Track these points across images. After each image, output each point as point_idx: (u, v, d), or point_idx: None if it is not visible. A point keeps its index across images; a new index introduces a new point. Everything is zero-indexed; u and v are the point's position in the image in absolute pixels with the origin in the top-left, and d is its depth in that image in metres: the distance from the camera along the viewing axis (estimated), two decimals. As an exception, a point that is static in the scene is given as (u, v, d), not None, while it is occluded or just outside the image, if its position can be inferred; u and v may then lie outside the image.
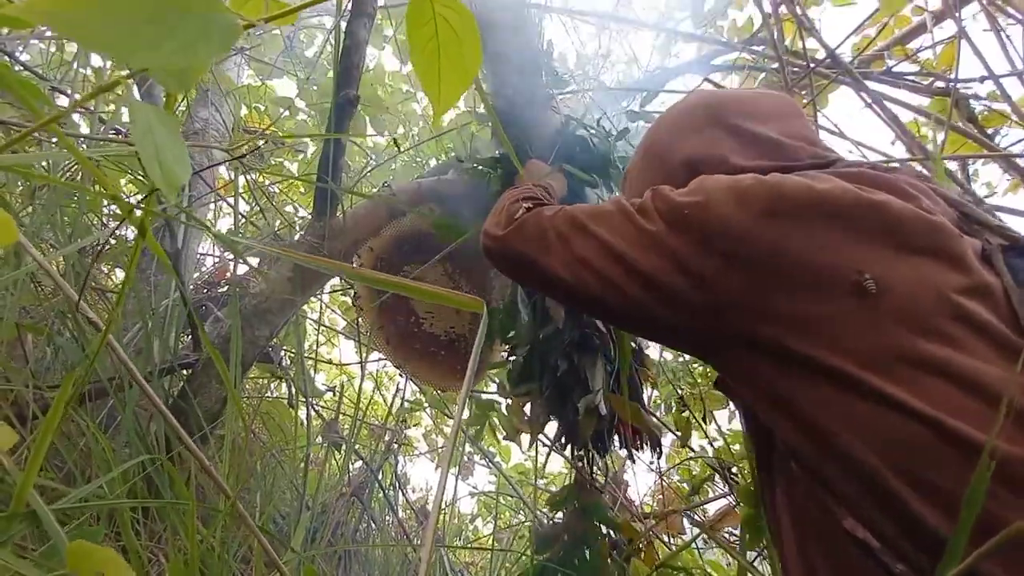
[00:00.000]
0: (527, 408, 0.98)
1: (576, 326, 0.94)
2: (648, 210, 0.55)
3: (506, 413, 1.05)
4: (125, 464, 0.58)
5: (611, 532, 0.93)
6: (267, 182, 1.87)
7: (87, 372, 0.39)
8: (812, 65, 1.12)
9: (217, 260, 1.74)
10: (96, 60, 1.84)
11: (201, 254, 1.72)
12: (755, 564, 1.06)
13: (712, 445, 1.34)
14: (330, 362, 2.14)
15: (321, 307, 2.02)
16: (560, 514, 0.96)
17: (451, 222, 1.01)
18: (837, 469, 0.44)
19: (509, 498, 2.07)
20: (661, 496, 1.79)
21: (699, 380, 1.37)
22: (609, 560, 0.90)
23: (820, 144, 0.62)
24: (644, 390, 1.05)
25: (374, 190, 1.65)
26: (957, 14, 1.18)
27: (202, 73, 0.31)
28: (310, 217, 1.28)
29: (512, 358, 1.01)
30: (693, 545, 1.38)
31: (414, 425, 2.37)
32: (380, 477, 1.74)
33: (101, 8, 0.21)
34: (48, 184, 0.82)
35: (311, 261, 0.37)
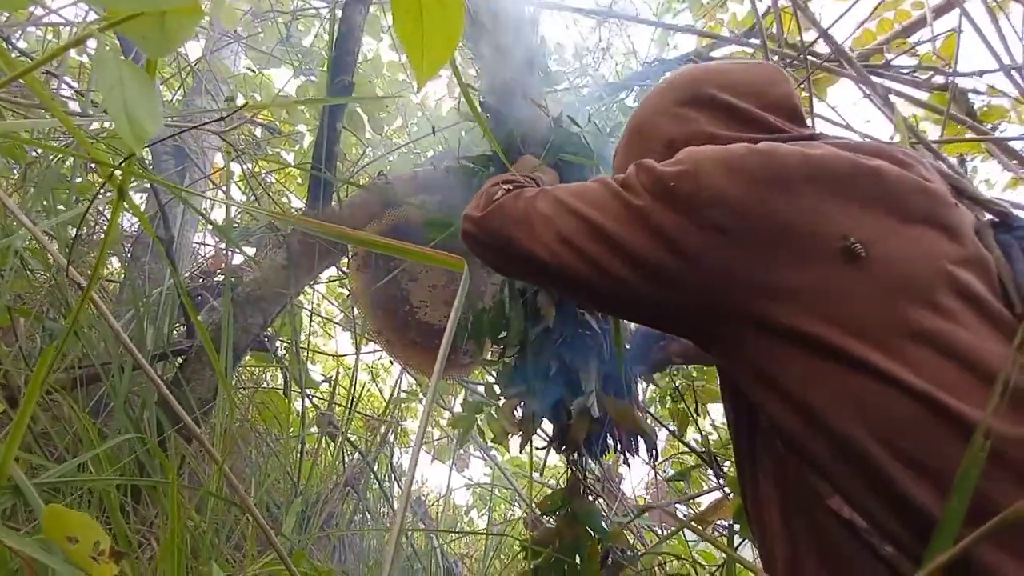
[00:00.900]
0: (519, 410, 0.96)
1: (568, 324, 0.93)
2: (632, 184, 0.53)
3: (495, 415, 1.03)
4: (110, 442, 0.58)
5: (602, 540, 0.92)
6: (263, 172, 1.87)
7: (66, 339, 0.39)
8: (807, 47, 1.11)
9: (213, 251, 1.74)
10: (92, 46, 1.84)
11: (197, 243, 1.72)
12: (745, 553, 1.06)
13: (708, 438, 1.33)
14: (326, 353, 2.14)
15: (315, 298, 2.01)
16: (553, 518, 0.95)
17: (443, 219, 0.99)
18: (825, 448, 0.44)
19: (504, 490, 2.07)
20: (655, 489, 1.79)
21: (694, 373, 1.37)
22: (601, 569, 0.89)
23: (800, 115, 0.61)
24: (638, 387, 1.04)
25: (370, 180, 1.64)
26: (963, 5, 1.18)
27: (186, 36, 0.31)
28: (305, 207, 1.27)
29: (503, 359, 1.00)
30: (685, 537, 1.38)
31: (409, 417, 2.37)
32: (376, 468, 1.74)
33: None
34: (38, 165, 0.81)
35: (311, 225, 0.36)
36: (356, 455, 1.73)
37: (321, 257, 1.09)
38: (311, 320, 1.94)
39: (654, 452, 0.97)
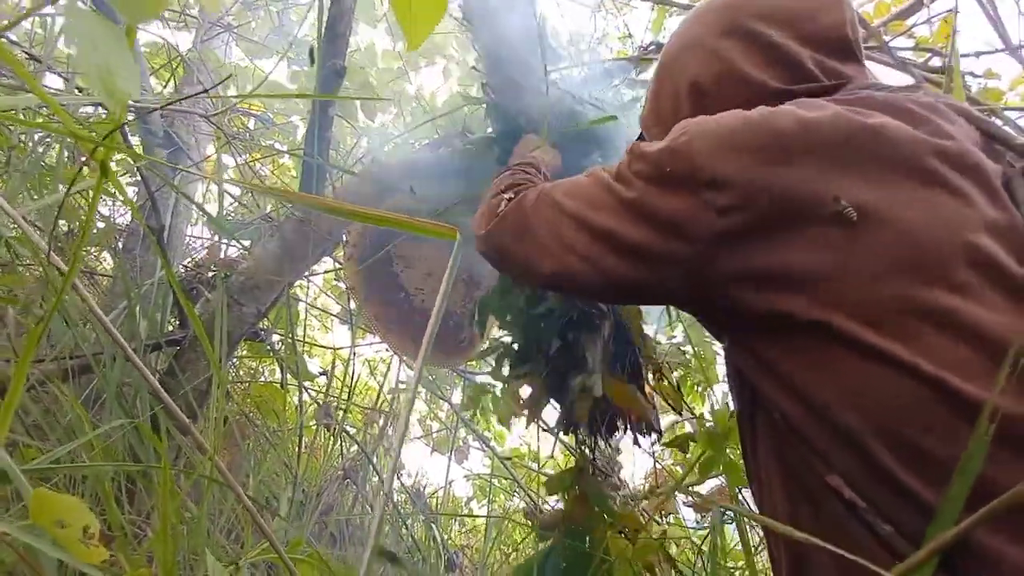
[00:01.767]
0: (524, 391, 0.96)
1: (574, 304, 0.92)
2: (625, 175, 0.52)
3: (500, 396, 1.03)
4: (102, 427, 0.57)
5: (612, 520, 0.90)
6: (257, 164, 1.85)
7: (48, 321, 0.38)
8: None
9: (207, 243, 1.73)
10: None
11: (191, 237, 1.70)
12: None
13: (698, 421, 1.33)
14: (323, 346, 2.13)
15: (311, 291, 2.00)
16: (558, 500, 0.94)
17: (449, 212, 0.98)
18: (825, 434, 0.43)
19: (504, 481, 2.08)
20: (654, 476, 1.80)
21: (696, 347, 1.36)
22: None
23: (848, 47, 0.56)
24: (646, 372, 1.03)
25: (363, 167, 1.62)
26: None
27: (162, 8, 0.29)
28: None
29: (508, 340, 0.99)
30: (687, 522, 1.38)
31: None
32: (375, 460, 1.73)
33: None
34: (21, 150, 0.80)
35: (303, 200, 0.35)
36: (354, 447, 1.72)
37: (315, 245, 1.08)
38: (307, 313, 1.93)
39: (658, 434, 0.96)
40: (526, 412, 0.92)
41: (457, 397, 2.16)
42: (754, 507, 0.56)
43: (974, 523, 0.29)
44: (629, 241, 0.50)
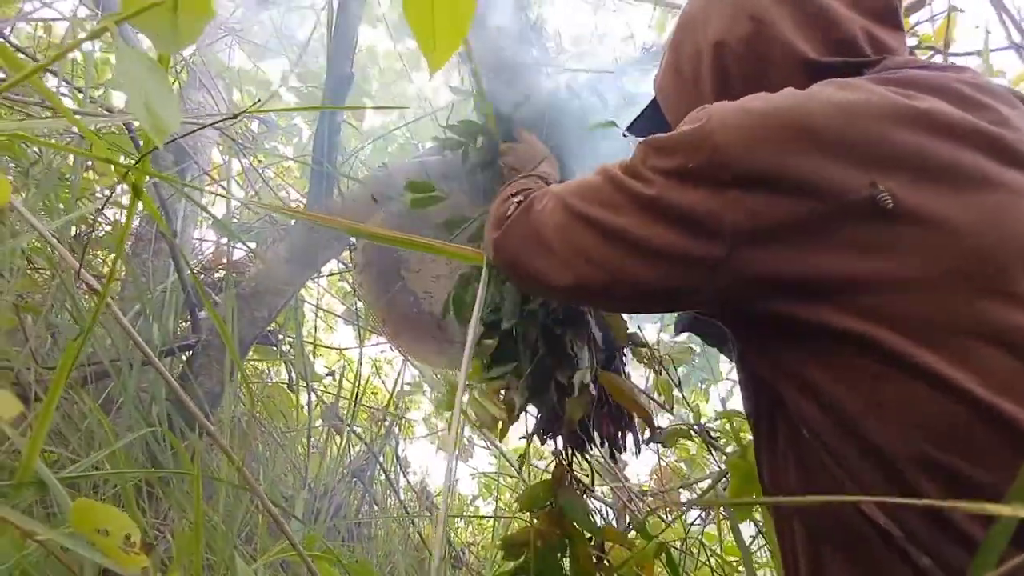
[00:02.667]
0: (504, 394, 0.89)
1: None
2: (639, 171, 0.47)
3: (478, 398, 0.96)
4: (130, 436, 0.59)
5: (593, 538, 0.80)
6: (262, 167, 1.86)
7: (86, 338, 0.39)
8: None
9: (213, 246, 1.74)
10: (86, 44, 1.81)
11: (197, 239, 1.72)
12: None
13: (699, 413, 1.34)
14: (329, 347, 2.15)
15: (317, 291, 2.02)
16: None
17: (426, 190, 0.94)
18: (856, 453, 0.39)
19: (510, 478, 2.09)
20: (659, 475, 1.81)
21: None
22: (597, 573, 0.79)
23: (895, 14, 0.50)
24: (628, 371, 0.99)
25: (368, 172, 1.63)
26: None
27: (197, 33, 0.30)
28: (306, 201, 1.27)
29: (489, 340, 0.92)
30: (690, 521, 1.40)
31: (413, 409, 2.39)
32: (381, 459, 1.75)
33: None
34: (40, 161, 0.81)
35: (319, 221, 0.37)
36: (361, 447, 1.74)
37: (323, 249, 1.09)
38: (316, 314, 1.94)
39: (648, 433, 0.91)
40: (503, 416, 0.86)
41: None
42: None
43: (1021, 562, 0.26)
44: (648, 243, 0.45)
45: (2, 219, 0.65)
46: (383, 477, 1.78)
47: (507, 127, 0.90)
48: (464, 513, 2.26)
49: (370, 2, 1.82)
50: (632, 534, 0.87)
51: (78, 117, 0.45)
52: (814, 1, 0.50)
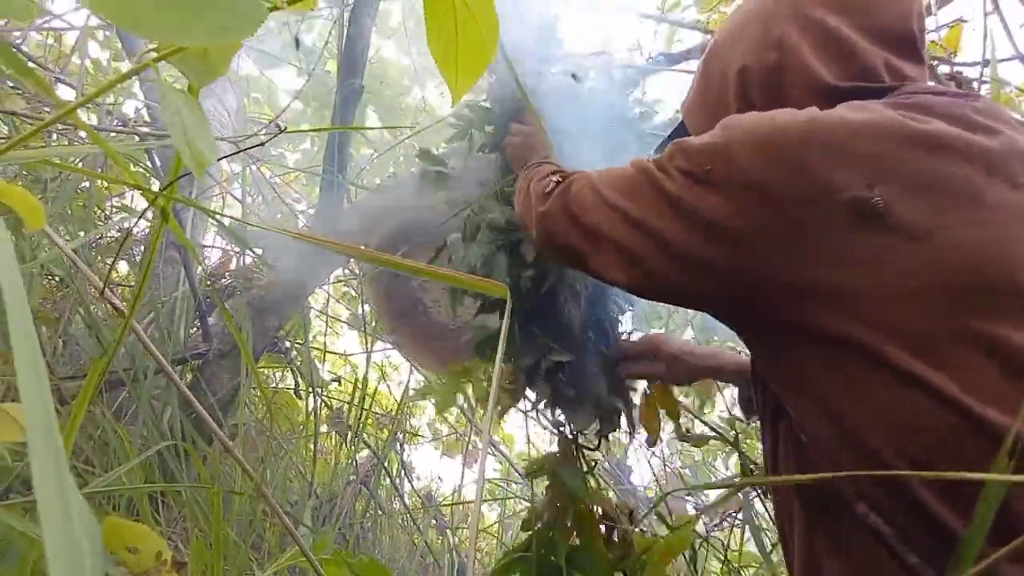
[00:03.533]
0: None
1: (553, 274, 0.81)
2: (667, 168, 0.50)
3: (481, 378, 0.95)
4: (152, 449, 0.60)
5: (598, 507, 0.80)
6: (269, 174, 1.87)
7: (112, 358, 0.40)
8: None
9: (222, 253, 1.75)
10: (94, 51, 1.84)
11: (204, 246, 1.73)
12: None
13: (734, 421, 1.34)
14: (335, 353, 2.15)
15: (322, 297, 2.03)
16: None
17: (436, 158, 0.93)
18: (853, 457, 0.41)
19: (515, 484, 2.09)
20: (664, 479, 1.82)
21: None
22: (608, 546, 0.79)
23: (913, 43, 0.52)
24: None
25: (378, 180, 1.64)
26: None
27: (225, 68, 0.31)
28: (314, 208, 1.28)
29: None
30: (696, 527, 1.39)
31: (418, 414, 2.39)
32: (387, 465, 1.76)
33: (137, -9, 0.21)
34: (59, 178, 0.82)
35: (329, 245, 0.37)
36: (367, 453, 1.74)
37: (334, 258, 1.10)
38: (326, 322, 1.95)
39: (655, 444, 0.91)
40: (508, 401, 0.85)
41: (461, 400, 2.17)
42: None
43: (998, 559, 0.29)
44: (667, 237, 0.48)
45: (23, 234, 0.66)
46: (388, 482, 1.79)
47: (514, 111, 0.89)
48: (468, 519, 2.26)
49: (381, 12, 1.83)
50: (637, 530, 0.87)
51: (105, 139, 0.46)
52: (836, 33, 0.52)
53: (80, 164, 1.03)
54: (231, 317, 0.98)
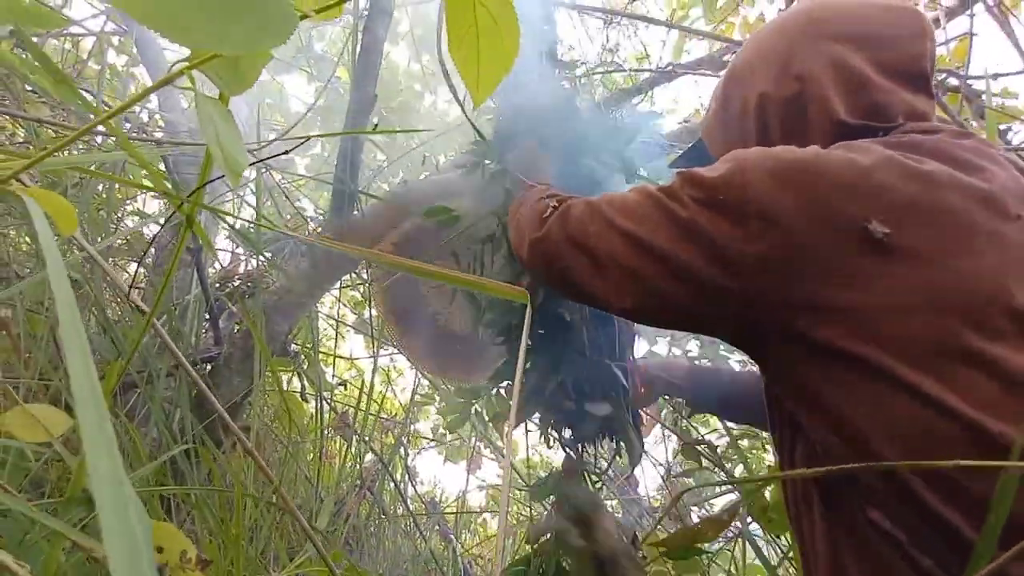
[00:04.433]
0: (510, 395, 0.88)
1: (556, 305, 0.83)
2: (677, 195, 0.51)
3: (494, 401, 0.96)
4: (169, 452, 0.60)
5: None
6: (279, 178, 1.89)
7: (129, 361, 0.41)
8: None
9: (231, 256, 1.77)
10: (111, 57, 1.86)
11: (217, 249, 1.74)
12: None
13: (713, 446, 1.34)
14: (342, 357, 2.16)
15: (328, 301, 2.04)
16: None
17: (443, 208, 0.95)
18: (868, 470, 0.42)
19: (518, 491, 2.09)
20: (668, 492, 1.81)
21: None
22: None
23: (925, 80, 0.55)
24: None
25: (386, 186, 1.66)
26: (970, 12, 1.19)
27: (255, 76, 0.32)
28: (325, 214, 1.29)
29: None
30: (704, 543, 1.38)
31: (423, 419, 2.39)
32: (391, 469, 1.76)
33: None
34: (80, 183, 0.84)
35: (348, 250, 0.38)
36: (371, 456, 1.75)
37: (346, 263, 1.11)
38: (336, 326, 1.97)
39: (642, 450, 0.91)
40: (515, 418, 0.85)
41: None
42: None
43: (1008, 559, 0.31)
44: (677, 260, 0.50)
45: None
46: (392, 486, 1.79)
47: (514, 137, 0.91)
48: (471, 526, 2.25)
49: (396, 17, 1.86)
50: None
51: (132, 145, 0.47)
52: (853, 68, 0.54)
53: (93, 167, 1.05)
54: (249, 314, 0.99)
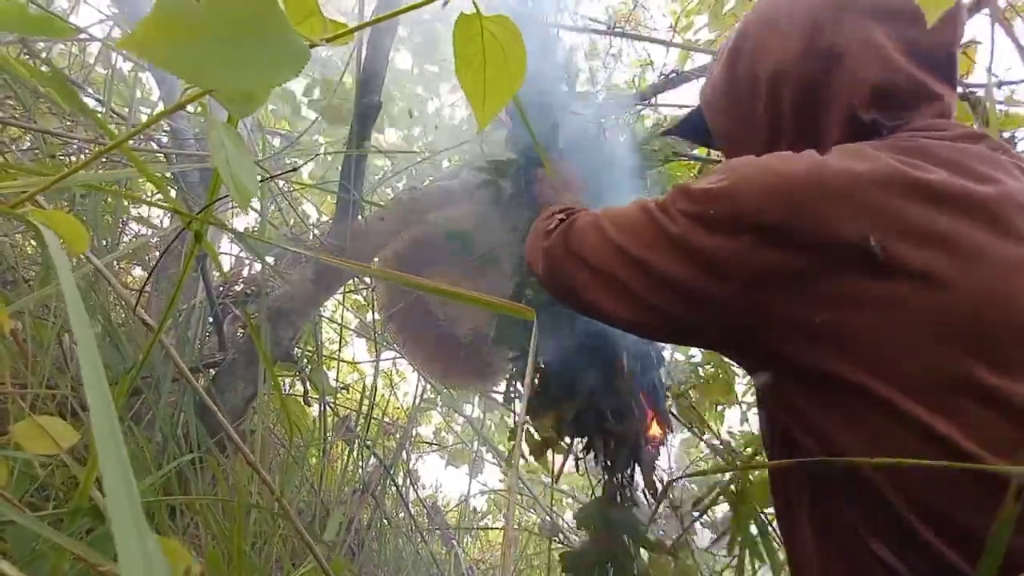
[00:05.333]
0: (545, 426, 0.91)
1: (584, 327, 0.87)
2: (670, 210, 0.50)
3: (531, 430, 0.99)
4: (176, 462, 0.61)
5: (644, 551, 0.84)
6: (283, 184, 1.90)
7: (138, 372, 0.41)
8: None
9: (235, 260, 1.77)
10: (117, 62, 1.87)
11: (220, 253, 1.75)
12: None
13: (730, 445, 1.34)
14: (345, 360, 2.17)
15: (331, 304, 2.04)
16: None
17: (465, 232, 0.98)
18: (864, 499, 0.42)
19: (520, 495, 2.08)
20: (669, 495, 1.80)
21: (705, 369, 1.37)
22: None
23: (952, 67, 0.51)
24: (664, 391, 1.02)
25: (393, 194, 1.66)
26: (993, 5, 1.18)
27: (265, 98, 0.33)
28: (328, 220, 1.29)
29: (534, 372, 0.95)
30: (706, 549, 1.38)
31: (425, 423, 2.40)
32: (393, 473, 1.76)
33: (188, 40, 0.22)
34: (89, 195, 0.84)
35: (349, 267, 0.38)
36: (373, 460, 1.75)
37: (347, 269, 1.11)
38: (340, 331, 1.97)
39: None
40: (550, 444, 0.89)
41: (469, 410, 2.18)
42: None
43: None
44: (667, 276, 0.49)
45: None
46: (394, 491, 1.79)
47: (540, 156, 0.93)
48: (474, 530, 2.25)
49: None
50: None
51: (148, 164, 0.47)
52: (885, 49, 0.50)
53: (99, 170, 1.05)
54: (251, 319, 0.99)
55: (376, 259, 1.15)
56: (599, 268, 0.55)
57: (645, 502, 1.00)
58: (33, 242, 1.11)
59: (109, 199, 0.91)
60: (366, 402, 1.64)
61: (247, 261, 1.62)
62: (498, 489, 2.19)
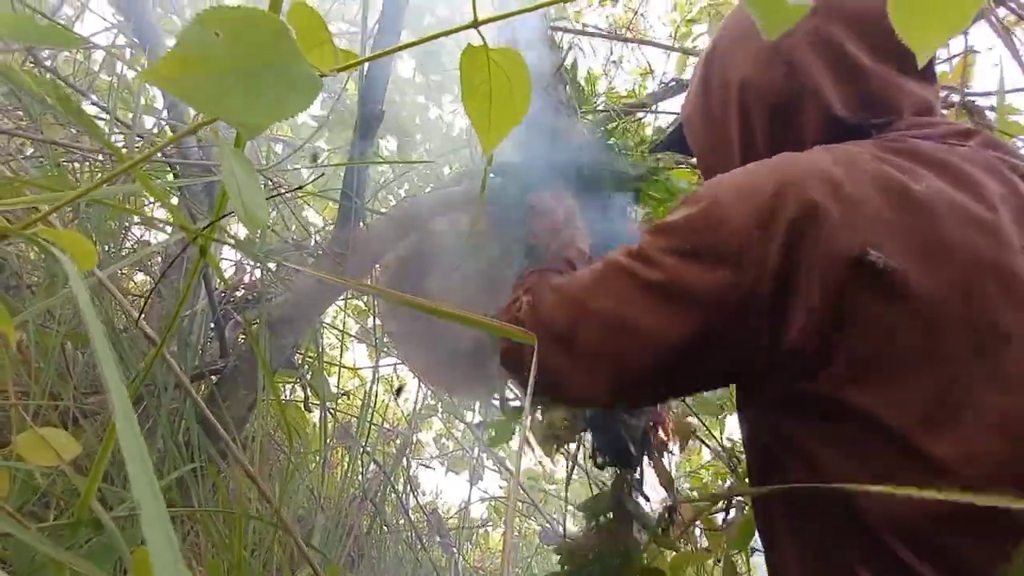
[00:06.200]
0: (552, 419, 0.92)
1: None
2: (650, 255, 0.47)
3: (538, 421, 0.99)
4: (177, 472, 0.61)
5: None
6: (291, 197, 1.90)
7: (142, 382, 0.41)
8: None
9: (236, 266, 1.78)
10: (118, 67, 1.89)
11: (221, 258, 1.76)
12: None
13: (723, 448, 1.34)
14: (345, 366, 2.17)
15: (332, 310, 2.05)
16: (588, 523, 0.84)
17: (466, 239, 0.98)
18: (851, 528, 0.40)
19: (520, 503, 2.08)
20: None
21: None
22: None
23: (930, 64, 0.50)
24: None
25: (394, 202, 1.67)
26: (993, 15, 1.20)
27: (274, 120, 0.33)
28: (331, 226, 1.30)
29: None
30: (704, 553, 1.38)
31: (425, 430, 2.40)
32: (392, 480, 1.76)
33: (208, 73, 0.23)
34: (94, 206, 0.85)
35: (347, 284, 0.39)
36: (373, 467, 1.75)
37: (352, 276, 1.11)
38: (341, 338, 1.97)
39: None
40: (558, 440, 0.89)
41: (469, 417, 2.18)
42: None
43: None
44: (656, 332, 0.46)
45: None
46: (393, 497, 1.79)
47: (526, 187, 0.92)
48: (474, 537, 2.25)
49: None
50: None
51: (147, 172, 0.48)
52: (845, 52, 0.49)
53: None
54: (251, 327, 0.99)
55: (378, 267, 1.15)
56: (579, 343, 0.50)
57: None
58: (35, 248, 1.11)
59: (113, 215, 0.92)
60: (366, 408, 1.64)
61: (248, 267, 1.63)
62: (499, 496, 2.19)
